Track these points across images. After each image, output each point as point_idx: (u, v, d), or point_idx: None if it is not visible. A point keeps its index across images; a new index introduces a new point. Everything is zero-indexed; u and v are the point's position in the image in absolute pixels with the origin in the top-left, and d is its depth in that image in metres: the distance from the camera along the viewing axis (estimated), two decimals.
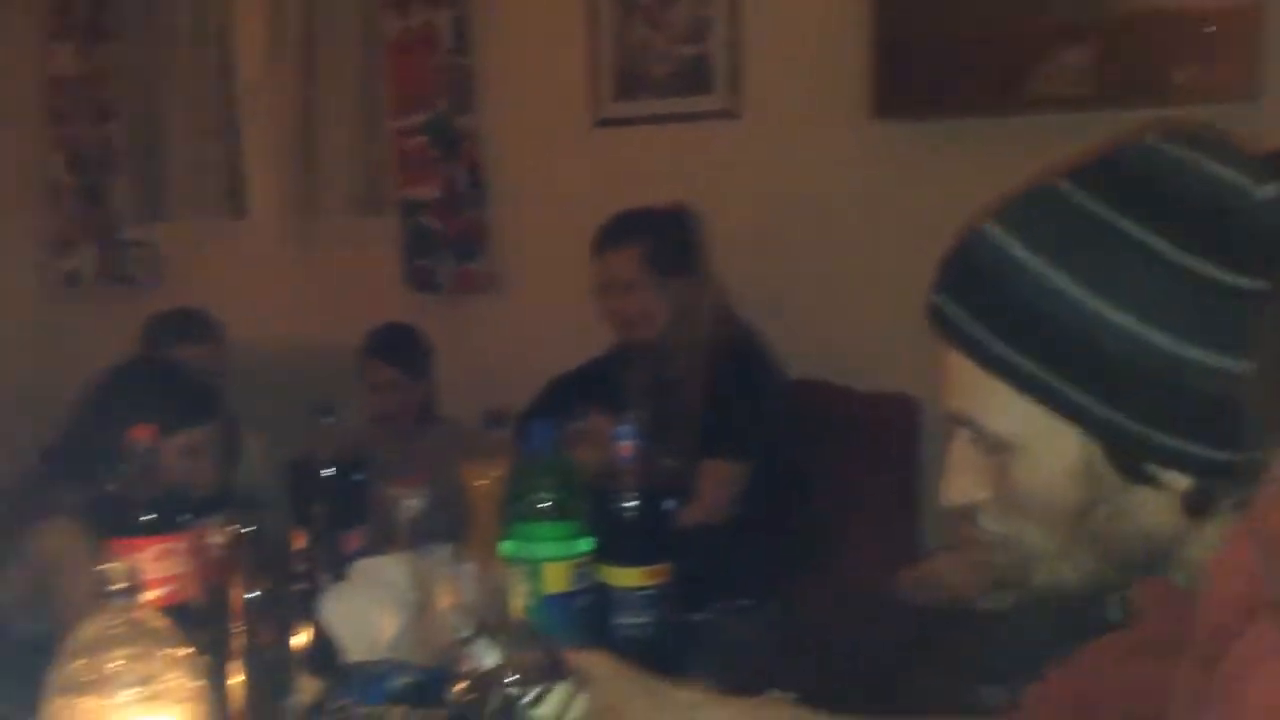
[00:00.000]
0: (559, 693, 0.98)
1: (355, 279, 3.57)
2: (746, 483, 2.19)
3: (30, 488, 1.85)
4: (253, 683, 1.29)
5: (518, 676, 0.98)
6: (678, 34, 3.06)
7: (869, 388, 2.53)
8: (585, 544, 1.28)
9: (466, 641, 1.00)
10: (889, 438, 2.41)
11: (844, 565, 2.14)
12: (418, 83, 3.32)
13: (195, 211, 3.91)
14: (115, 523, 1.29)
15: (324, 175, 3.69)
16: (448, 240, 3.33)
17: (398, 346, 2.87)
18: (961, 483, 0.81)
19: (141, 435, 1.35)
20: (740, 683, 1.10)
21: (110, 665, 0.84)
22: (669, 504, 1.35)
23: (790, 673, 1.20)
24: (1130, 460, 0.75)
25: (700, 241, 2.37)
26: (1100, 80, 2.45)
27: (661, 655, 1.17)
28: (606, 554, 1.30)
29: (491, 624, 1.03)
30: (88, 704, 0.83)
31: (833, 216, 2.89)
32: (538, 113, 3.27)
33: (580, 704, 0.98)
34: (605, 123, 3.18)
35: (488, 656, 0.99)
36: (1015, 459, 0.78)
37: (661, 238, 2.31)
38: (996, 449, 0.78)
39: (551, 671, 1.00)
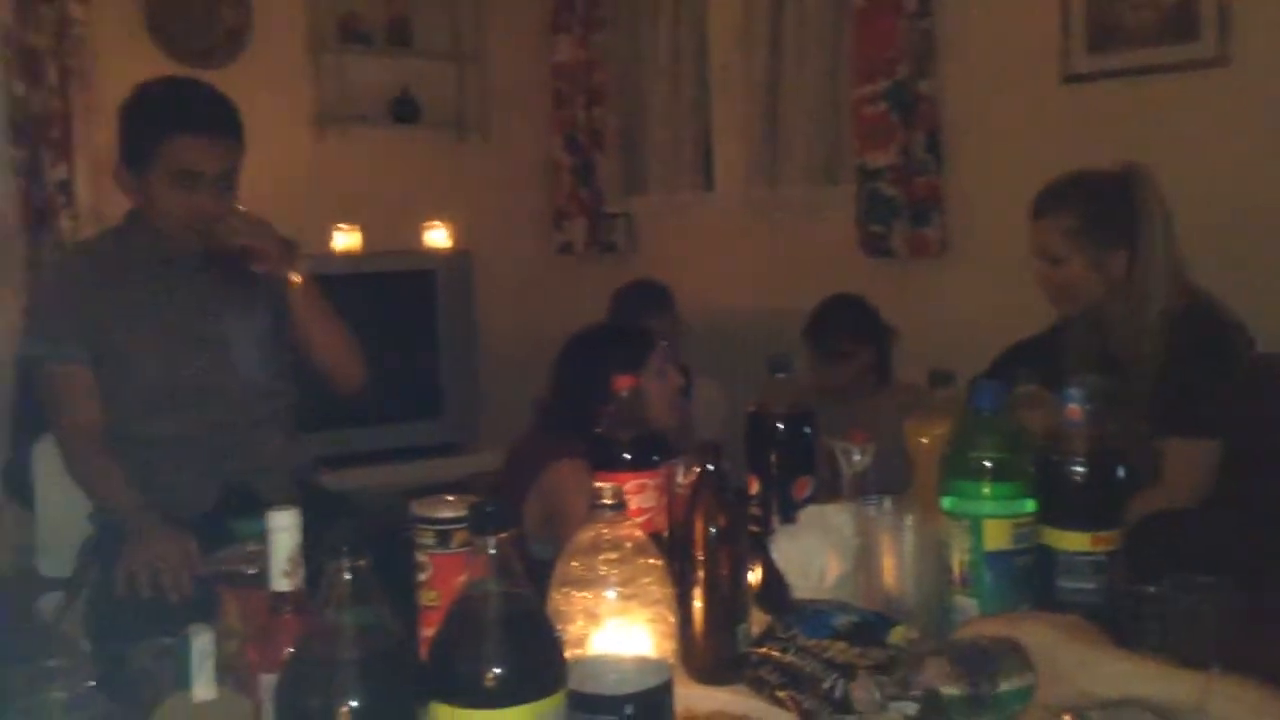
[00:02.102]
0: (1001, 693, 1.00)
1: (813, 245, 3.70)
2: (1218, 462, 2.04)
3: (540, 432, 2.14)
4: (711, 608, 1.43)
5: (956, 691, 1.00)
6: None
7: None
8: (1029, 504, 1.28)
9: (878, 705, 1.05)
10: None
11: None
12: (881, 50, 3.36)
13: (669, 185, 4.25)
14: (602, 459, 1.49)
15: (785, 147, 3.86)
16: (902, 206, 3.35)
17: (841, 321, 2.96)
18: None
19: (624, 385, 1.55)
20: (1189, 658, 1.07)
21: (600, 568, 1.01)
22: (1120, 472, 1.31)
23: (1255, 654, 1.14)
24: None
25: (1147, 208, 2.11)
26: None
27: (1106, 622, 1.15)
28: (1053, 516, 1.29)
29: (898, 677, 1.06)
30: (580, 596, 1.00)
31: None
32: (1001, 72, 3.19)
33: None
34: (1075, 78, 3.03)
35: (909, 707, 1.03)
36: None
37: (1096, 208, 2.12)
38: None
39: (985, 676, 1.02)
